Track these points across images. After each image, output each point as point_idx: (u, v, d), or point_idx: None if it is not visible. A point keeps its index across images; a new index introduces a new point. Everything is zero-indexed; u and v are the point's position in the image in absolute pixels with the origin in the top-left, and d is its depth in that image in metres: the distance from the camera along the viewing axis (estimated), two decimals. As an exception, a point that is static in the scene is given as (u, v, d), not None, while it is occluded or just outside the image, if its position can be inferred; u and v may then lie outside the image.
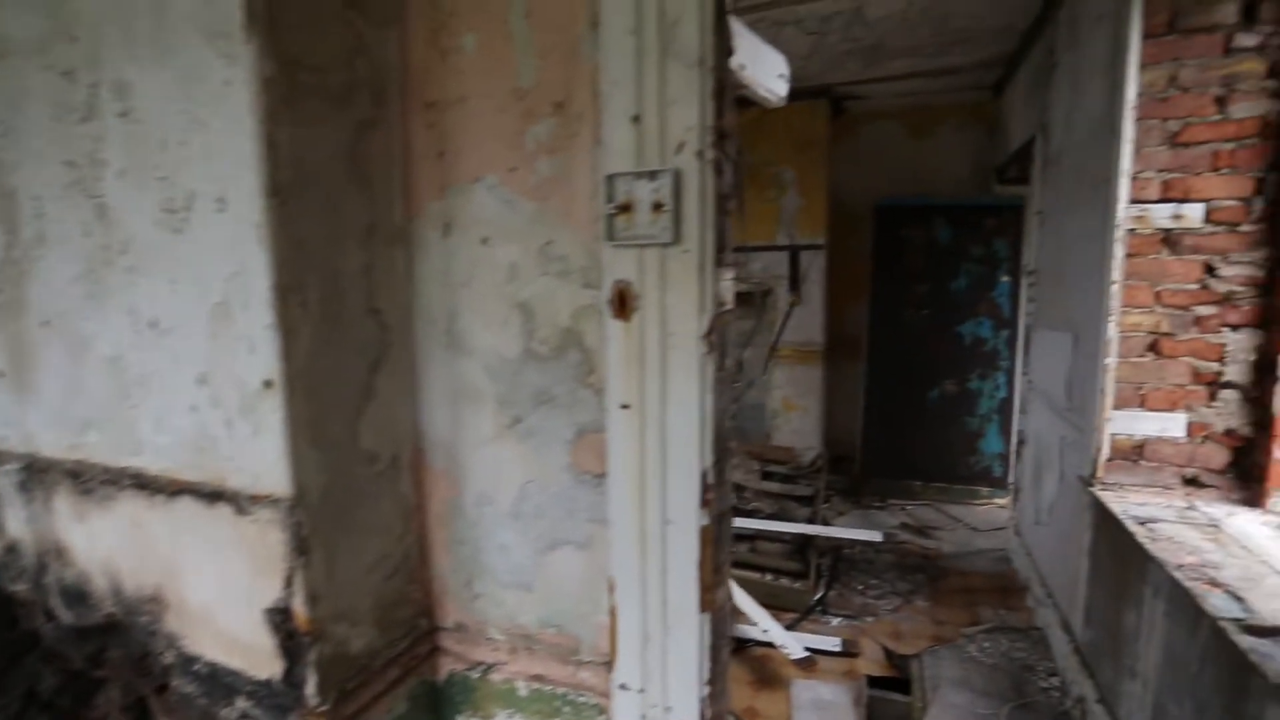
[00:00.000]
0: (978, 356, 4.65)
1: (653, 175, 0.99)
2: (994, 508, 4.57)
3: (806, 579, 3.43)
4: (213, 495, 1.18)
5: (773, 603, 3.32)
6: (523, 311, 1.20)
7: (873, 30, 3.73)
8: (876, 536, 3.51)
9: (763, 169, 5.19)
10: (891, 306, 4.81)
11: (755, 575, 3.57)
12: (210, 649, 1.27)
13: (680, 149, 0.98)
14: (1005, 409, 4.60)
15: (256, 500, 1.14)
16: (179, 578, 1.28)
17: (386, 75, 1.19)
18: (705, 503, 0.95)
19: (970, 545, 4.03)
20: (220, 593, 1.22)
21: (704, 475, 0.95)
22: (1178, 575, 1.84)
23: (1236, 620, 1.62)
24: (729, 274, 1.07)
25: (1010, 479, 4.69)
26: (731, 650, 2.14)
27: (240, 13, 0.98)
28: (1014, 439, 4.65)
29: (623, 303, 0.98)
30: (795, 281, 5.15)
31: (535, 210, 1.17)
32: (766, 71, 1.54)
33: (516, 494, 1.18)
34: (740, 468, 5.00)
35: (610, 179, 1.04)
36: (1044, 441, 3.29)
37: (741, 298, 5.68)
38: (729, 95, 1.07)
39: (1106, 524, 2.35)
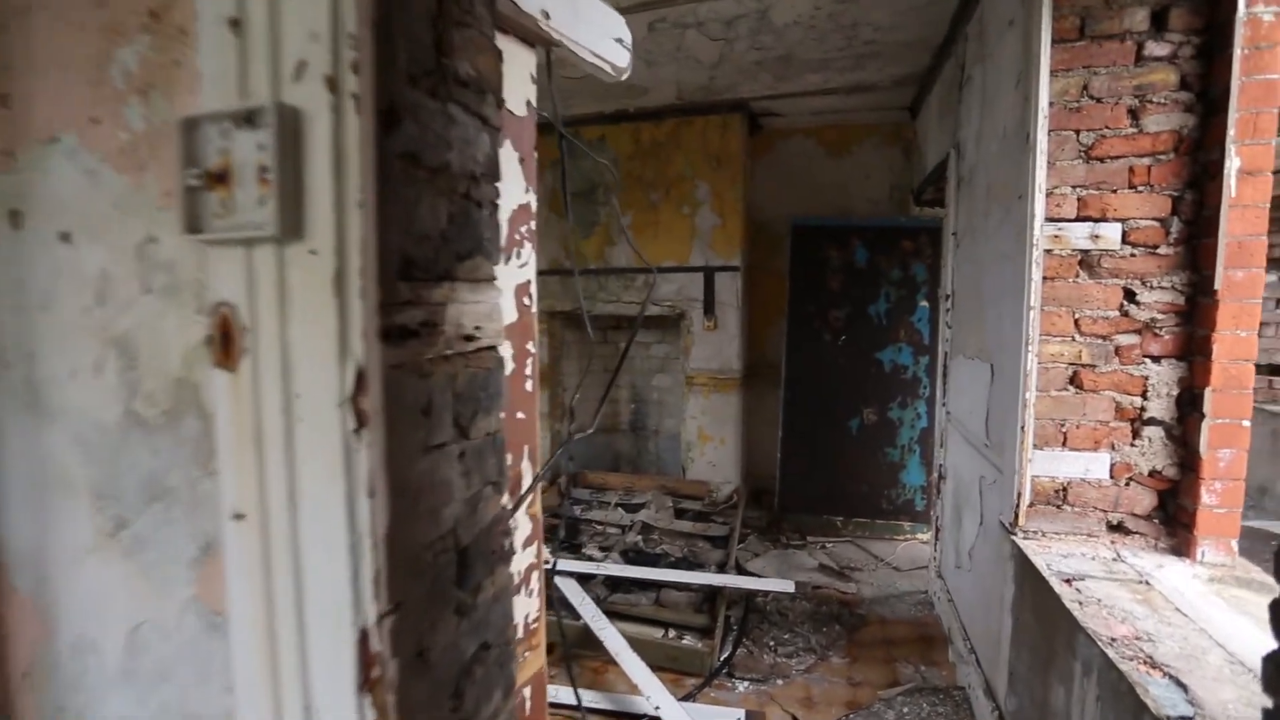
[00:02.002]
0: (898, 384, 4.45)
1: (250, 118, 0.57)
2: (917, 543, 4.35)
3: (713, 636, 3.07)
4: None
5: (673, 666, 2.94)
6: (120, 350, 0.74)
7: (781, 38, 3.50)
8: (788, 586, 3.19)
9: (677, 183, 4.92)
10: (810, 331, 4.58)
11: (656, 633, 3.19)
12: None
13: (300, 73, 0.54)
14: (926, 439, 4.40)
15: None
16: None
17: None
18: (367, 685, 0.55)
19: (891, 587, 3.77)
20: None
21: (363, 638, 0.55)
22: (1111, 654, 1.56)
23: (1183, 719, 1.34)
24: (440, 292, 0.67)
25: (932, 511, 4.49)
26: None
27: None
28: (934, 470, 4.47)
29: (226, 340, 0.59)
30: (710, 304, 4.86)
31: (127, 187, 0.72)
32: (592, 29, 1.20)
33: (126, 641, 0.75)
34: (653, 504, 4.63)
35: (190, 126, 0.60)
36: (963, 478, 3.06)
37: (654, 321, 5.36)
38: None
39: (1030, 579, 2.08)
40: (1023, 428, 2.18)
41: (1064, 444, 2.19)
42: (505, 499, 0.85)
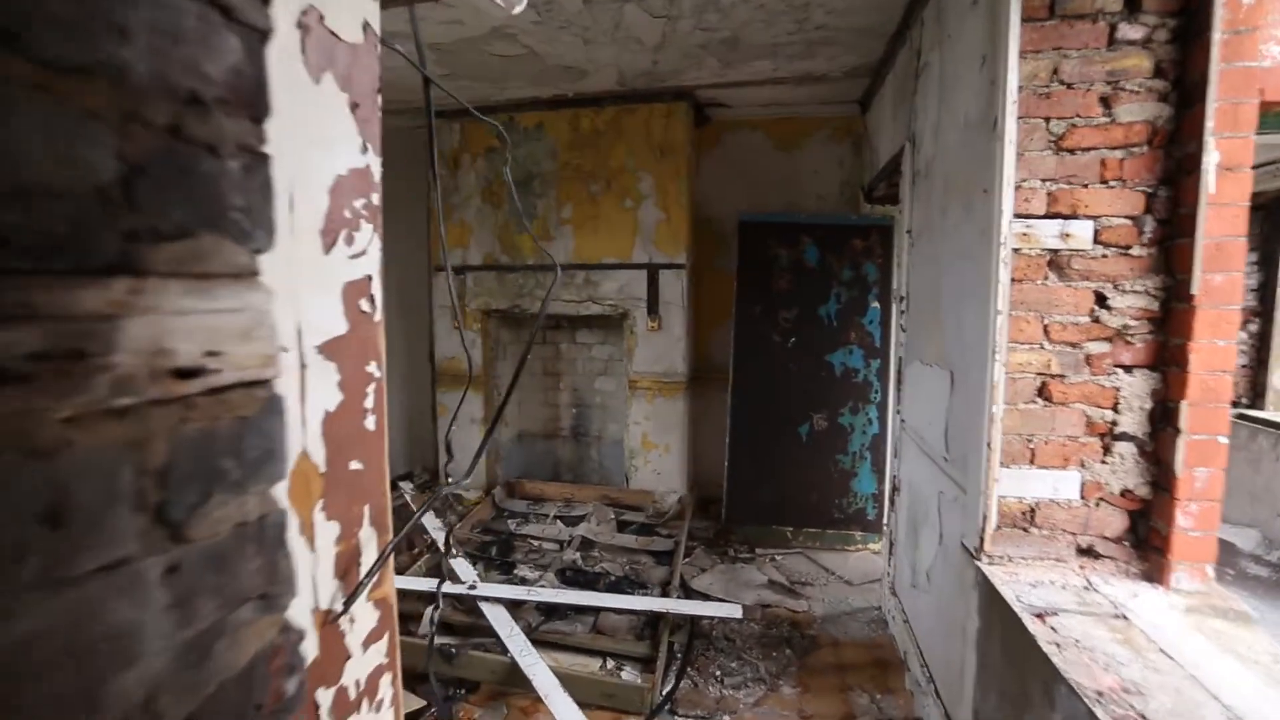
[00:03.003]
0: (849, 388, 4.28)
1: None
2: (869, 554, 4.18)
3: (654, 667, 2.80)
4: None
5: (610, 704, 2.66)
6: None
7: (728, 18, 3.25)
8: (736, 612, 2.95)
9: (619, 174, 4.63)
10: (758, 332, 4.37)
11: (594, 664, 2.90)
12: None
13: None
14: (878, 446, 4.25)
15: None
16: None
17: None
18: None
19: (844, 604, 3.58)
20: None
21: None
22: (1100, 713, 1.35)
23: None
24: None
25: (885, 523, 4.34)
26: None
27: None
28: (887, 481, 4.32)
29: None
30: (654, 303, 4.60)
31: None
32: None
33: None
34: (594, 517, 4.34)
35: None
36: (919, 492, 2.87)
37: (596, 321, 5.07)
38: None
39: (998, 612, 1.88)
40: (989, 444, 1.98)
41: (1032, 461, 2.00)
42: (296, 612, 0.54)
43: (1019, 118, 1.92)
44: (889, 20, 3.27)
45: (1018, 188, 1.94)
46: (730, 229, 4.74)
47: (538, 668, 2.67)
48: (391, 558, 0.83)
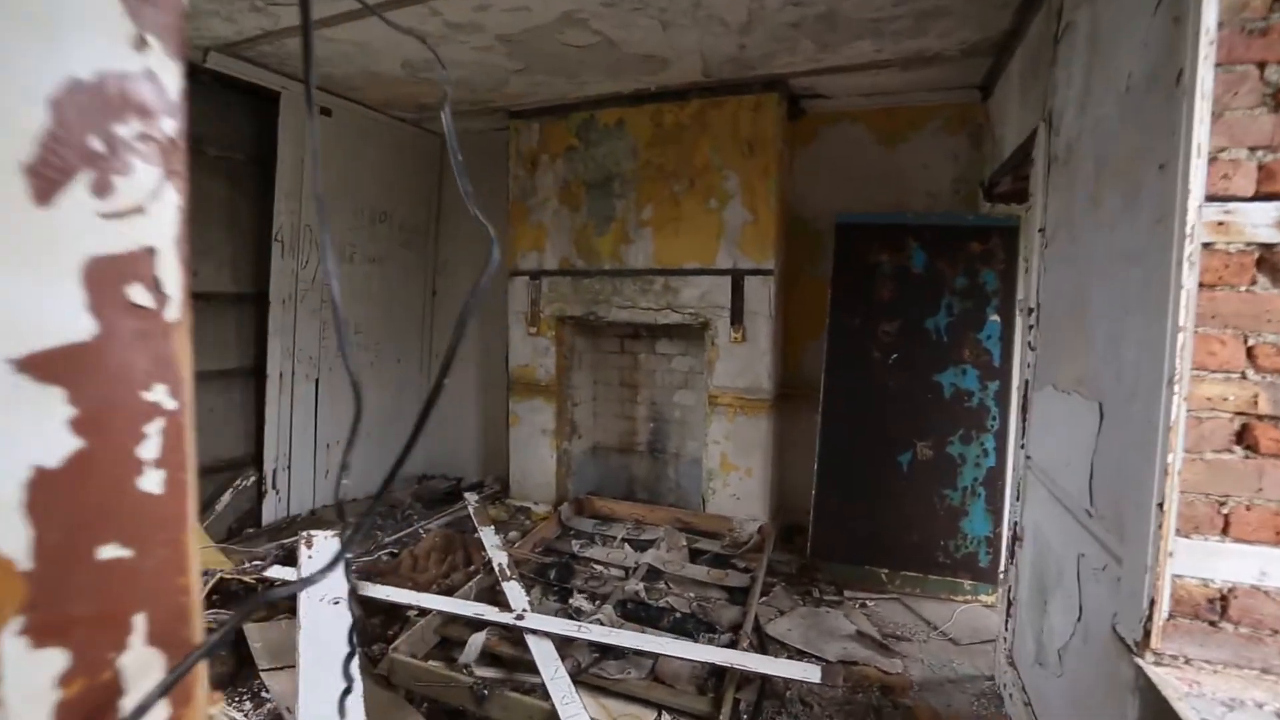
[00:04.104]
0: (960, 414, 3.71)
1: None
2: (979, 608, 3.59)
3: (716, 731, 2.42)
4: None
5: (662, 775, 2.30)
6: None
7: (823, -12, 2.85)
8: (813, 675, 2.50)
9: (702, 173, 4.29)
10: (855, 347, 3.88)
11: (648, 717, 2.55)
12: None
13: None
14: (994, 482, 3.65)
15: None
16: None
17: None
18: None
19: (947, 667, 3.04)
20: None
21: None
22: None
23: None
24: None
25: (1001, 571, 3.72)
26: None
27: None
28: (1006, 522, 3.71)
29: None
30: (738, 313, 4.21)
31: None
32: None
33: None
34: (664, 543, 4.00)
35: None
36: (1050, 548, 2.33)
37: (676, 331, 4.74)
38: None
39: (1171, 737, 1.37)
40: (1160, 505, 1.48)
41: (1225, 532, 1.47)
42: None
43: (1217, 65, 1.42)
44: (1021, -20, 2.76)
45: (1212, 160, 1.43)
46: (825, 231, 4.29)
47: (579, 719, 2.35)
48: (202, 688, 0.53)
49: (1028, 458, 2.71)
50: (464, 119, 5.04)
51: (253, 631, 2.89)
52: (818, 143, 4.56)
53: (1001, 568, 3.74)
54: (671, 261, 4.39)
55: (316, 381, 4.66)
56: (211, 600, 3.01)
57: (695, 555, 3.99)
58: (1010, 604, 2.81)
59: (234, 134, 4.14)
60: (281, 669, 2.72)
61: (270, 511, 4.41)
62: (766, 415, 4.23)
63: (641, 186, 4.45)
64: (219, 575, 3.11)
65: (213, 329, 4.11)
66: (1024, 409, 2.78)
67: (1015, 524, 2.79)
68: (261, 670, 2.71)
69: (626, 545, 4.07)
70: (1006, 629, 2.83)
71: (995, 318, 3.71)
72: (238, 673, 2.79)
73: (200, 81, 3.90)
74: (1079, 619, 1.98)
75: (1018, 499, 2.80)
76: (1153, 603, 1.49)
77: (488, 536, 3.85)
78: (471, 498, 4.63)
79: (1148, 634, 1.50)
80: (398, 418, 5.41)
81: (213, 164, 4.04)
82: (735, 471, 4.31)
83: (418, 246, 5.52)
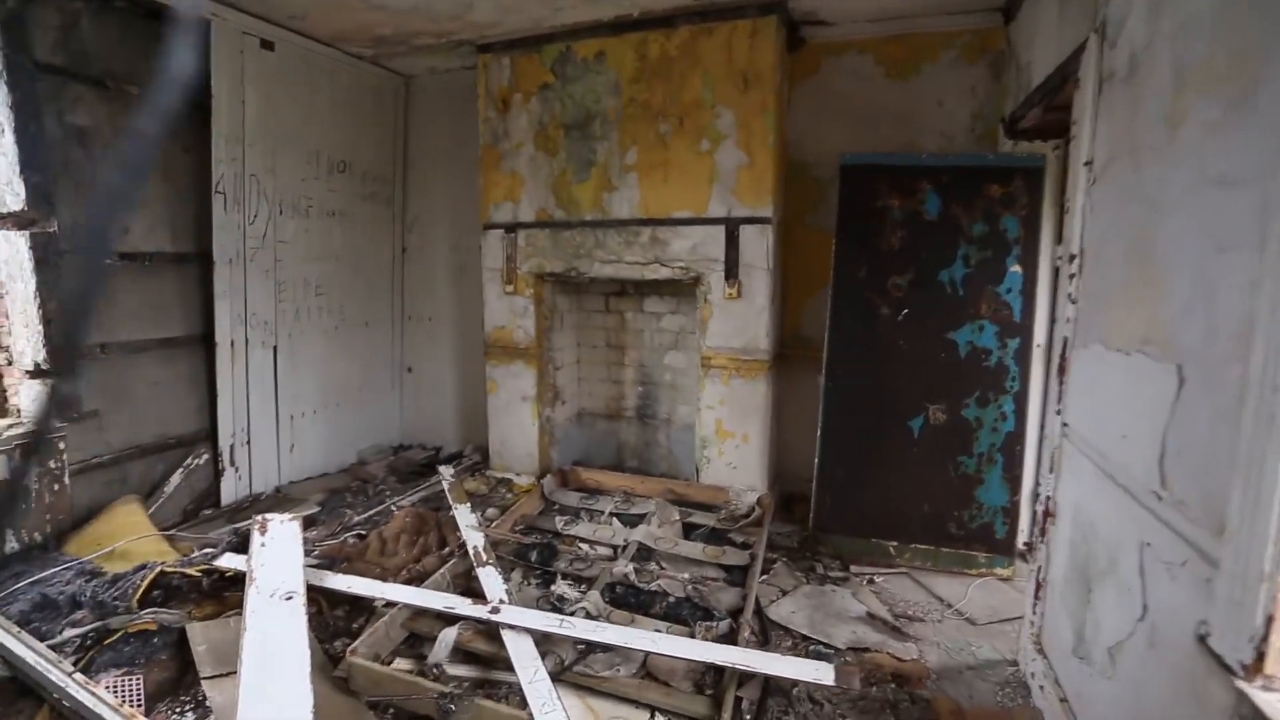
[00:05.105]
0: (977, 374, 3.39)
1: None
2: (995, 582, 3.34)
3: (716, 736, 2.15)
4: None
5: (656, 792, 2.03)
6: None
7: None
8: (825, 676, 2.23)
9: (693, 110, 3.86)
10: (861, 301, 3.53)
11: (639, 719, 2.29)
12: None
13: None
14: (1012, 448, 3.36)
15: None
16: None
17: None
18: None
19: (966, 651, 2.79)
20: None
21: None
22: None
23: None
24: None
25: (1020, 545, 3.47)
26: None
27: None
28: (1025, 491, 3.43)
29: None
30: (733, 266, 3.83)
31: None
32: None
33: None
34: (656, 517, 3.71)
35: None
36: (1098, 531, 2.04)
37: (665, 287, 4.37)
38: None
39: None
40: (1273, 500, 1.16)
41: (1366, 530, 1.16)
42: None
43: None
44: None
45: (1384, 43, 1.07)
46: (829, 175, 3.89)
47: (563, 730, 2.07)
48: None
49: (1064, 425, 2.40)
50: (427, 55, 4.54)
51: (196, 632, 2.58)
52: (819, 76, 4.12)
53: (1022, 541, 3.48)
54: (659, 210, 3.99)
55: (275, 349, 4.27)
56: (151, 597, 2.69)
57: (689, 530, 3.71)
58: (1039, 585, 2.54)
59: (161, 71, 3.64)
60: (227, 675, 2.42)
61: (230, 490, 4.07)
62: (764, 377, 3.90)
63: (625, 127, 4.01)
64: (159, 568, 2.78)
65: (150, 293, 3.69)
66: (1061, 369, 2.46)
67: (1048, 499, 2.50)
68: (203, 678, 2.40)
69: (615, 521, 3.78)
70: (1034, 612, 2.57)
71: (1016, 269, 3.37)
72: (180, 679, 2.49)
73: (115, 8, 3.39)
74: (1142, 618, 1.69)
75: (1051, 471, 2.50)
76: (1270, 620, 1.19)
77: (463, 516, 3.53)
78: (447, 472, 4.31)
79: (1261, 656, 1.20)
80: (367, 385, 5.05)
81: (138, 105, 3.55)
82: (731, 438, 4.00)
83: (383, 200, 5.06)
